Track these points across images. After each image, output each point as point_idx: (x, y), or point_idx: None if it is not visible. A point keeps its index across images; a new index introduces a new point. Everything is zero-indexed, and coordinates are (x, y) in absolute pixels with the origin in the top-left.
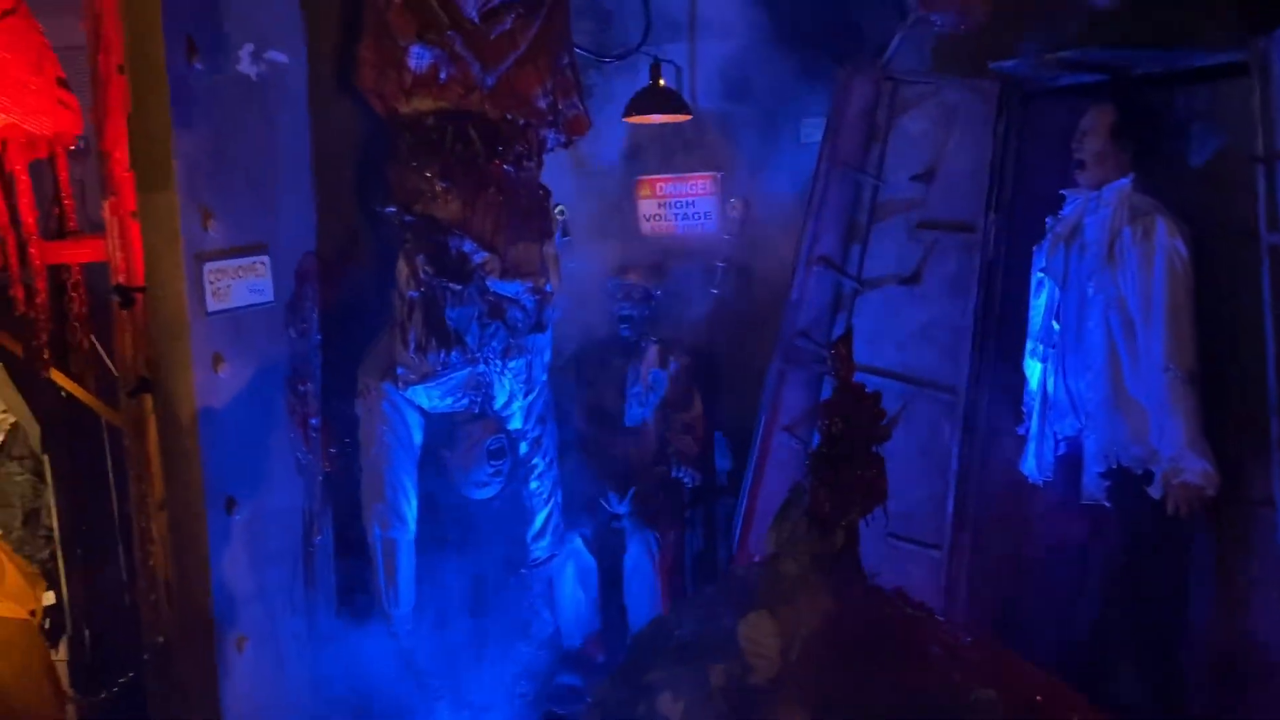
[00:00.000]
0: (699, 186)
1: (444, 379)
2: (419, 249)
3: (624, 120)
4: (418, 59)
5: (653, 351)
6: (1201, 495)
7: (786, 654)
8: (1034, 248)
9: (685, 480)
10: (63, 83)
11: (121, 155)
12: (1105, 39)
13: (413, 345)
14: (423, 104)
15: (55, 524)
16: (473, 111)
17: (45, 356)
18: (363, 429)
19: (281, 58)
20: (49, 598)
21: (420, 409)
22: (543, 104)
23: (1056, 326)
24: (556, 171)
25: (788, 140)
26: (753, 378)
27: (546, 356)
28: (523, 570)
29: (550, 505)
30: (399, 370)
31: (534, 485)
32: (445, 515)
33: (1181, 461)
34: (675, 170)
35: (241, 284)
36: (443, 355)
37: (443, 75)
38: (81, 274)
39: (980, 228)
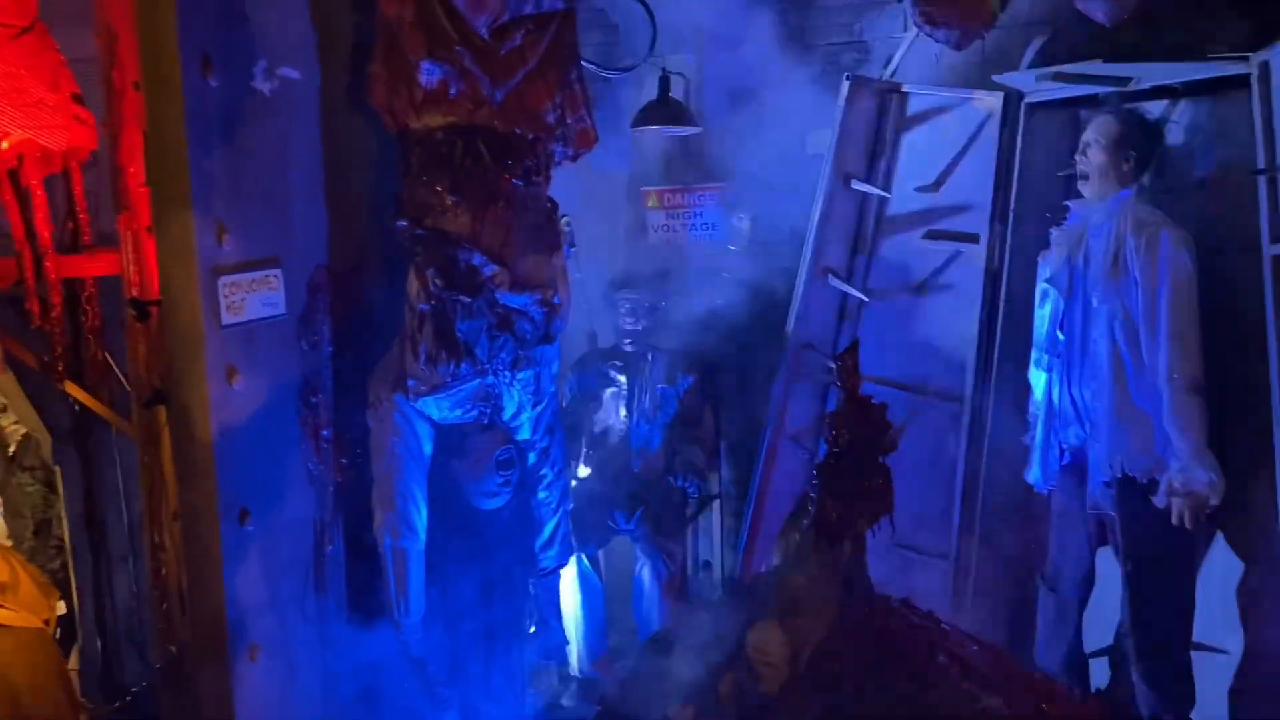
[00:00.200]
0: (706, 198)
1: (454, 390)
2: (429, 262)
3: (632, 131)
4: (428, 75)
5: (660, 367)
6: (1206, 505)
7: (794, 663)
8: (1038, 258)
9: (690, 490)
10: (78, 98)
11: (136, 170)
12: (1107, 52)
13: (423, 357)
14: (433, 119)
15: (66, 534)
16: (482, 126)
17: (60, 369)
18: (373, 440)
19: (294, 74)
20: (60, 607)
21: (430, 420)
22: (551, 119)
23: (1061, 337)
24: (563, 182)
25: (794, 151)
26: (759, 388)
27: (555, 368)
28: (531, 579)
29: (558, 515)
30: (409, 382)
31: (542, 495)
32: (455, 525)
33: (1187, 471)
34: (682, 181)
35: (255, 297)
36: (452, 367)
37: (453, 91)
38: (95, 287)
39: (985, 238)
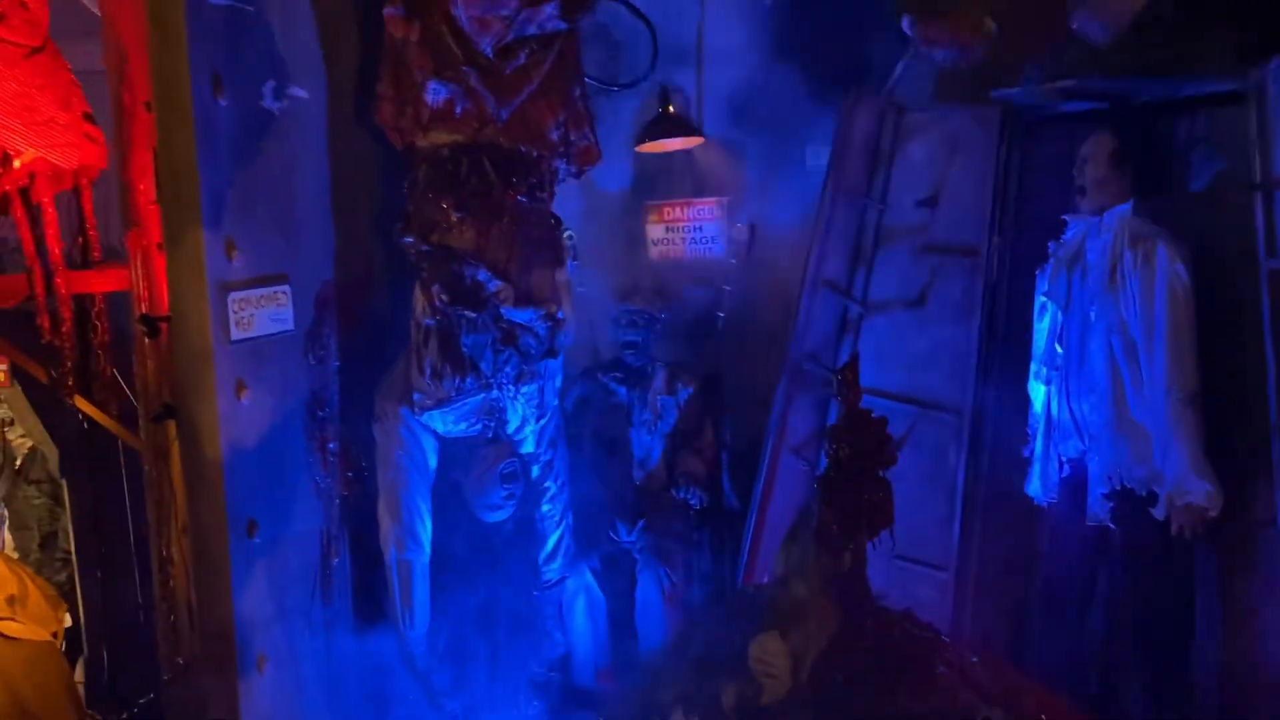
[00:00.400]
0: (706, 211)
1: (459, 404)
2: (435, 278)
3: (634, 148)
4: (434, 94)
5: (661, 378)
6: (1205, 516)
7: (796, 674)
8: (1037, 271)
9: (692, 501)
10: (89, 117)
11: (146, 187)
12: (1104, 68)
13: (429, 371)
14: (439, 137)
15: (72, 547)
16: (487, 144)
17: (70, 383)
18: (379, 453)
19: (302, 93)
20: (66, 620)
21: (435, 433)
22: (555, 136)
23: (1060, 350)
24: (566, 197)
25: (794, 166)
26: (760, 400)
27: (558, 381)
28: (534, 592)
29: (561, 528)
30: (415, 396)
31: (546, 508)
32: (459, 538)
33: (1185, 483)
34: (683, 195)
35: (263, 313)
36: (458, 381)
37: (458, 110)
38: (104, 302)
39: (984, 252)
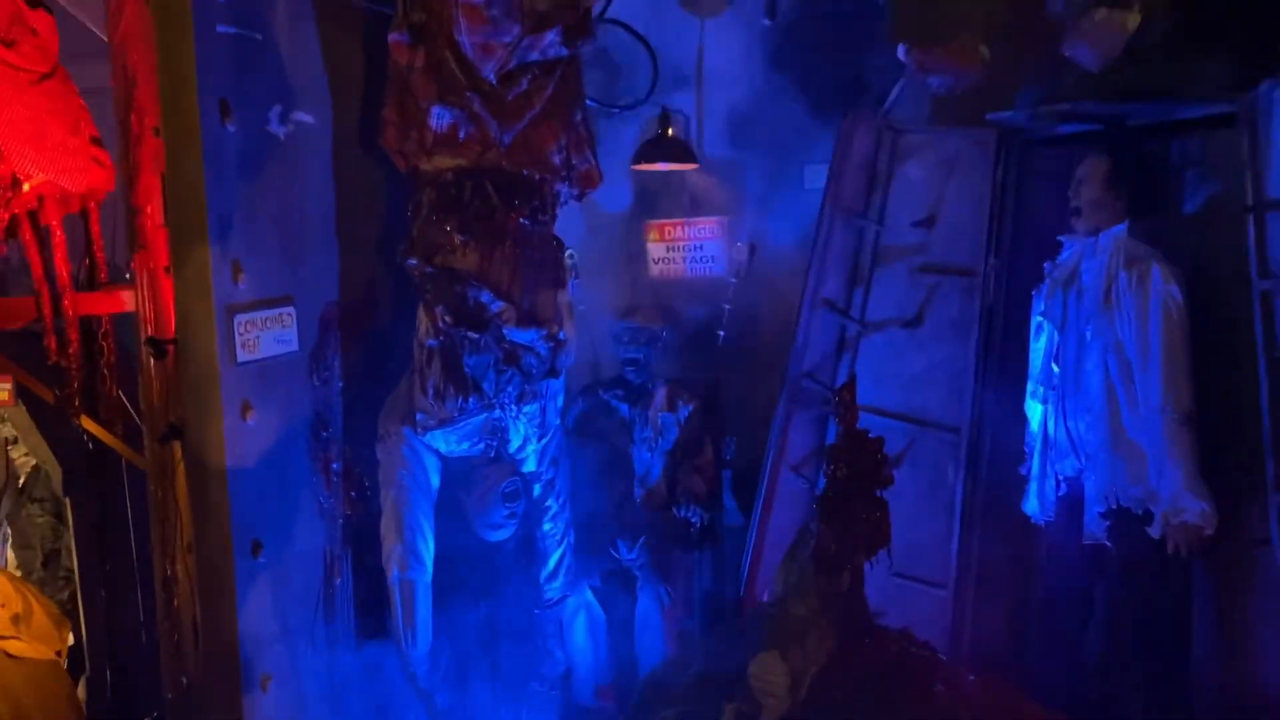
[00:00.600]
0: (707, 230)
1: (461, 424)
2: (438, 299)
3: (633, 168)
4: (438, 119)
5: (661, 395)
6: (1200, 535)
7: (795, 692)
8: (1033, 291)
9: (692, 519)
10: (97, 141)
11: (153, 210)
12: (1098, 92)
13: (431, 392)
14: (443, 161)
15: (75, 565)
16: (491, 168)
17: (76, 403)
18: (382, 473)
19: (307, 118)
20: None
21: (438, 453)
22: (557, 160)
23: (1056, 369)
24: (568, 215)
25: (792, 186)
26: (759, 417)
27: (560, 401)
28: (536, 610)
29: (563, 546)
30: (418, 416)
31: (547, 527)
32: (461, 557)
33: (1180, 502)
34: (683, 214)
35: (269, 335)
36: (460, 401)
37: (462, 134)
38: (110, 324)
39: (980, 272)
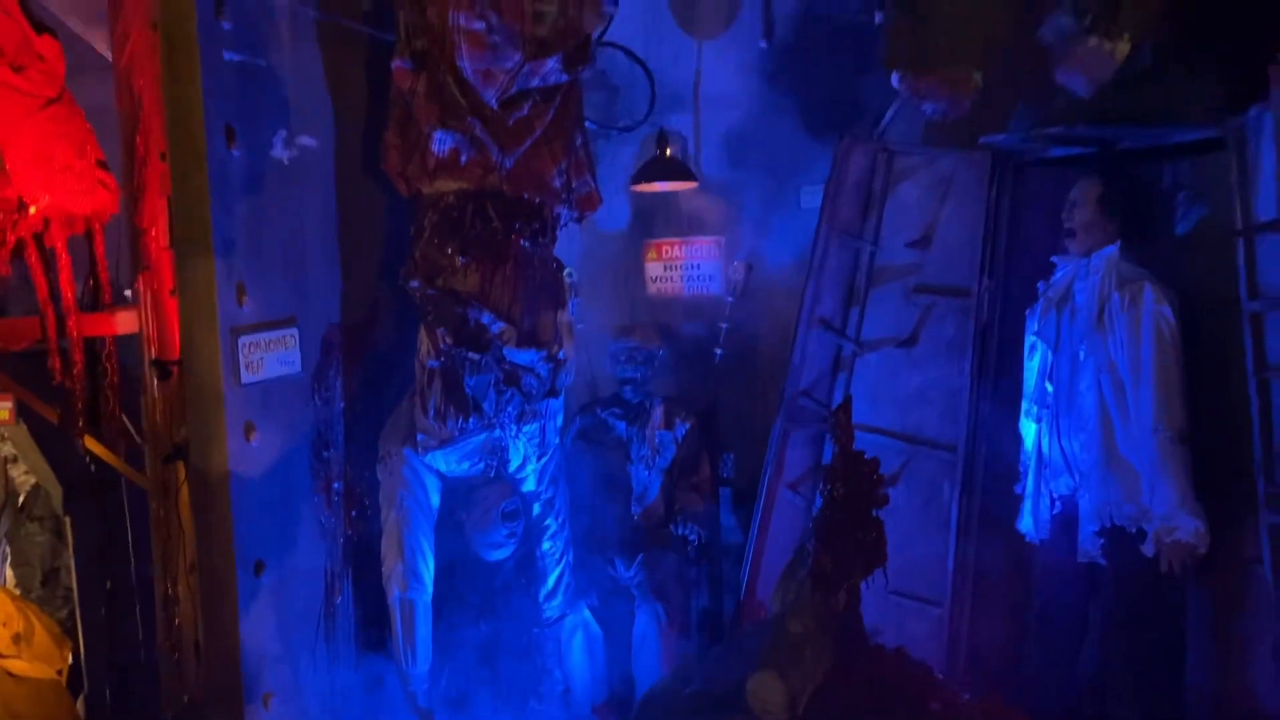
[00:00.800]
0: (704, 250)
1: (462, 444)
2: (440, 320)
3: (631, 189)
4: (440, 144)
5: (658, 413)
6: (1193, 553)
7: (793, 710)
8: (1027, 311)
9: (690, 536)
10: (102, 164)
11: (158, 233)
12: (1091, 116)
13: (432, 412)
14: (445, 185)
15: (74, 584)
16: (492, 191)
17: (80, 424)
18: (383, 493)
19: (311, 142)
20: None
21: (438, 473)
22: (557, 183)
23: (1050, 388)
24: (566, 236)
25: (788, 206)
26: (756, 435)
27: (559, 420)
28: (535, 629)
29: (562, 565)
30: (419, 436)
31: (546, 546)
32: (461, 576)
33: (1173, 520)
34: (681, 234)
35: (272, 356)
36: (461, 421)
37: (463, 158)
38: (114, 345)
39: (975, 292)
